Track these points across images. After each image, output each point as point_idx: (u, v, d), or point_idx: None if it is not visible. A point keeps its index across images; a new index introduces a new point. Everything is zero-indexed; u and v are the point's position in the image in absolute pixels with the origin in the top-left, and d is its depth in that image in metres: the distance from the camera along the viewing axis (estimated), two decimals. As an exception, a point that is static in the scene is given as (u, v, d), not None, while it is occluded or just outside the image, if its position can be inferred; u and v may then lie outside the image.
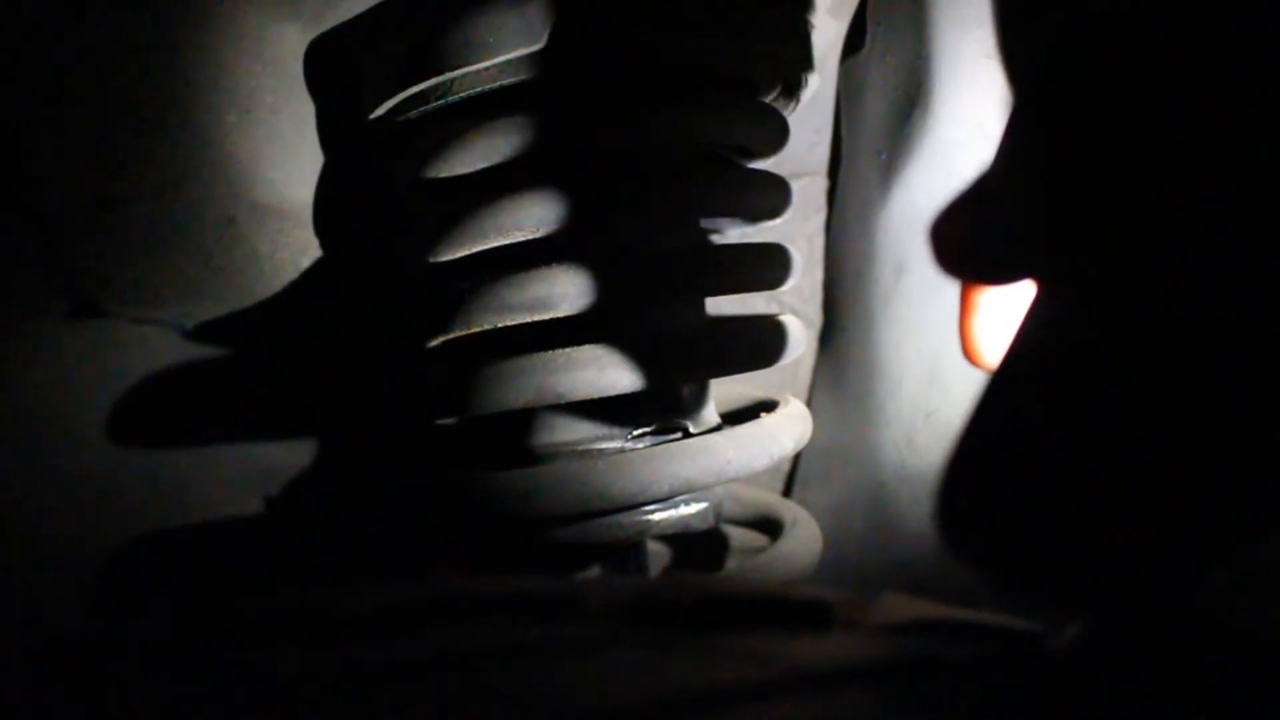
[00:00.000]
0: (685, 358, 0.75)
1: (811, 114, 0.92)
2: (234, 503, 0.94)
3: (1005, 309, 0.53)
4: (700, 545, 0.97)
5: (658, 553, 0.88)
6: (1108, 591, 0.39)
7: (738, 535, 0.96)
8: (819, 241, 0.98)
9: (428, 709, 0.35)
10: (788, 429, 0.79)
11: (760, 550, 0.94)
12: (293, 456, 0.94)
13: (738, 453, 0.74)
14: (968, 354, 0.56)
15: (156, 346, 0.88)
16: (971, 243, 0.44)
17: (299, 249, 0.83)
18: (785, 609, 0.46)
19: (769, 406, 0.84)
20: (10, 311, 0.83)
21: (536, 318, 0.73)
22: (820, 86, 0.84)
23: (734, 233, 0.94)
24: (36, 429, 0.87)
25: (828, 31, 0.88)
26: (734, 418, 0.86)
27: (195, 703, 0.39)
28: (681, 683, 0.37)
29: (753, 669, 0.39)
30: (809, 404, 0.98)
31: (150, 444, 0.90)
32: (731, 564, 1.01)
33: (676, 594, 0.48)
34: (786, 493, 1.03)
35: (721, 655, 0.40)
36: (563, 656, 0.39)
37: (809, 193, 0.95)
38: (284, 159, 0.79)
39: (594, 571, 0.85)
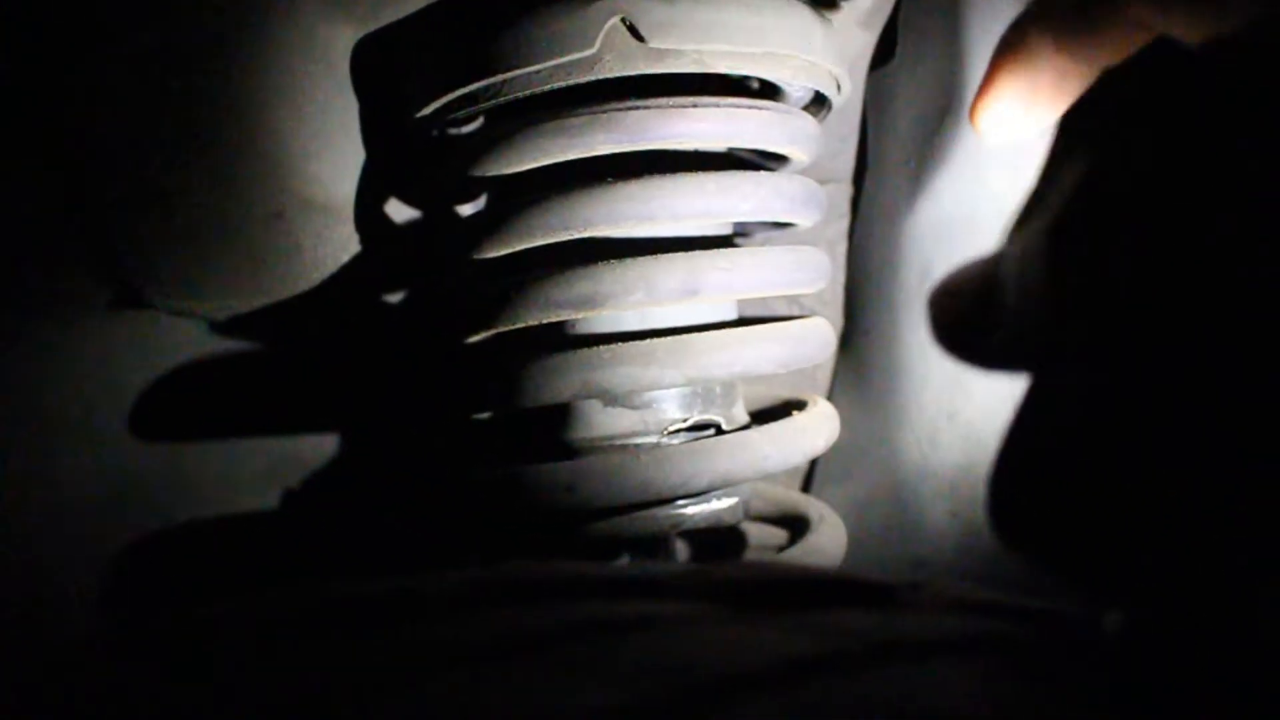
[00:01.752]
0: (723, 355, 0.77)
1: (836, 123, 0.94)
2: (257, 497, 0.95)
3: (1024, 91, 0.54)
4: (716, 542, 0.99)
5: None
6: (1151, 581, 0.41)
7: (754, 531, 0.99)
8: (841, 248, 1.00)
9: (558, 677, 0.37)
10: (820, 427, 0.81)
11: (780, 547, 0.96)
12: (323, 451, 0.96)
13: (774, 449, 0.77)
14: (973, 119, 0.57)
15: (192, 339, 0.90)
16: None
17: (340, 244, 0.85)
18: (848, 589, 0.48)
19: (798, 406, 0.86)
20: (53, 299, 0.84)
21: (582, 315, 0.75)
22: (847, 96, 0.87)
23: (759, 237, 0.96)
24: (65, 417, 0.88)
25: (856, 42, 0.91)
26: (761, 417, 0.88)
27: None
28: (778, 653, 0.39)
29: (837, 641, 0.41)
30: (828, 405, 1.00)
31: (178, 436, 0.92)
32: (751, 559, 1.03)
33: (748, 576, 0.50)
34: (804, 491, 1.06)
35: (806, 629, 0.42)
36: (669, 629, 0.41)
37: (833, 199, 0.98)
38: (332, 155, 0.81)
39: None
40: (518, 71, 0.73)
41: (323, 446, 0.96)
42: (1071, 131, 0.48)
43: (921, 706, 0.36)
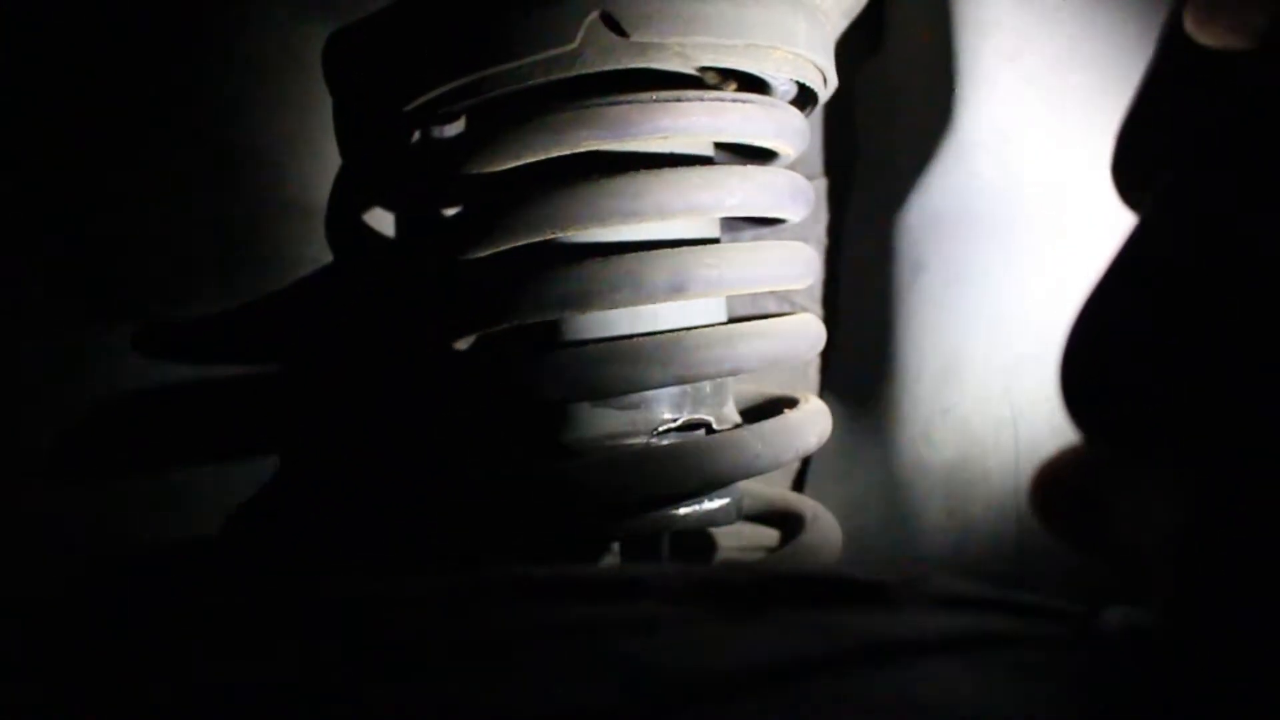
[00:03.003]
0: (711, 353, 0.75)
1: (817, 116, 0.93)
2: (239, 501, 0.93)
3: None
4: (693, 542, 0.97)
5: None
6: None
7: (749, 532, 0.97)
8: (824, 243, 0.99)
9: (533, 680, 0.35)
10: (811, 424, 0.80)
11: (774, 548, 0.95)
12: (303, 455, 0.94)
13: (764, 448, 0.75)
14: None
15: (172, 344, 0.88)
16: None
17: (320, 247, 0.83)
18: (840, 587, 0.47)
19: (789, 403, 0.85)
20: (34, 307, 0.82)
21: (568, 314, 0.73)
22: (834, 89, 0.85)
23: (750, 234, 0.95)
24: (46, 429, 0.86)
25: (838, 32, 0.89)
26: (752, 415, 0.86)
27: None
28: (767, 653, 0.38)
29: (829, 641, 0.40)
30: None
31: (167, 449, 0.90)
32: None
33: (734, 576, 0.49)
34: (797, 490, 1.04)
35: (796, 629, 0.41)
36: (649, 632, 0.40)
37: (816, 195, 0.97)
38: (310, 158, 0.79)
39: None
40: (498, 67, 0.72)
41: (299, 455, 0.94)
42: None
43: (911, 707, 0.34)
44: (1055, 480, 0.45)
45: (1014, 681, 0.38)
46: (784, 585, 0.47)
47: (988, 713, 0.36)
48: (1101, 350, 0.40)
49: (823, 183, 0.98)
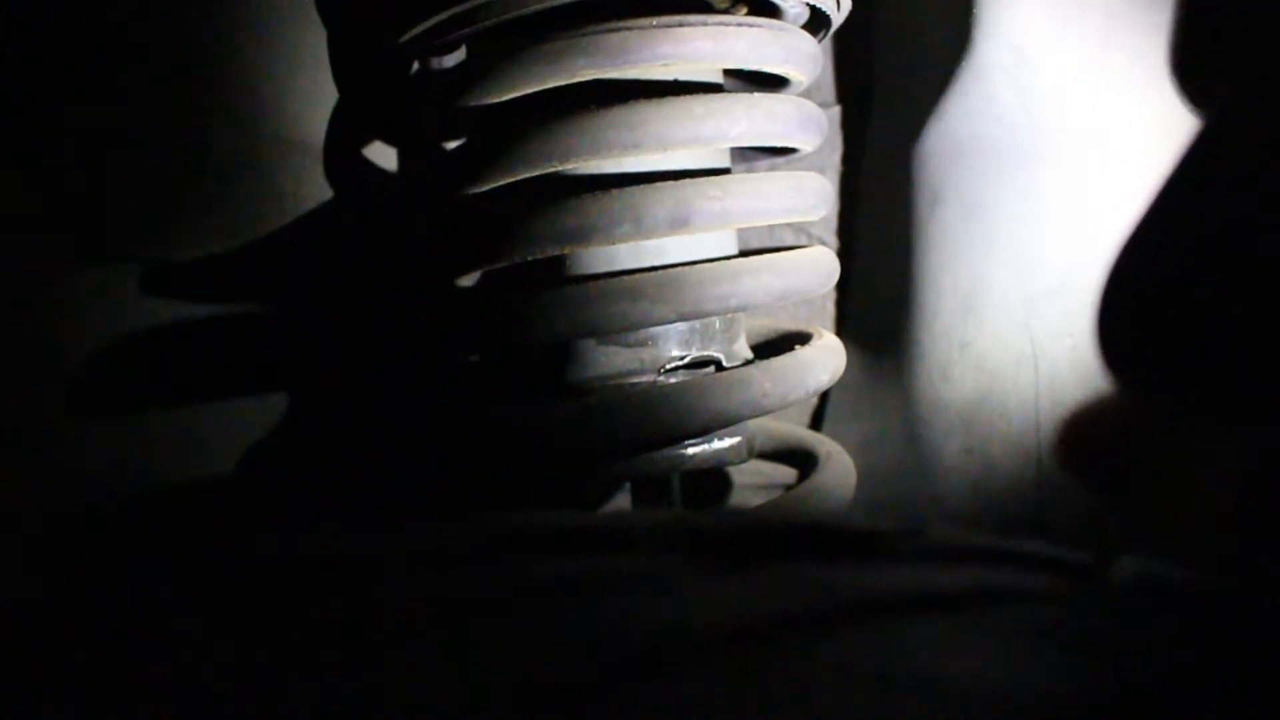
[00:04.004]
0: (716, 289, 0.73)
1: (831, 41, 0.90)
2: (242, 441, 0.92)
3: None
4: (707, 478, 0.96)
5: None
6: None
7: (766, 469, 0.95)
8: (839, 173, 0.96)
9: (507, 647, 0.34)
10: (822, 361, 0.78)
11: (789, 486, 0.93)
12: (310, 400, 0.93)
13: (773, 386, 0.73)
14: None
15: (168, 283, 0.86)
16: None
17: (320, 185, 0.81)
18: (835, 539, 0.45)
19: (802, 339, 0.83)
20: (24, 255, 0.81)
21: (568, 250, 0.71)
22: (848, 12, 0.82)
23: (765, 165, 0.92)
24: (45, 374, 0.85)
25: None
26: (766, 350, 0.84)
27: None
28: (752, 610, 0.36)
29: (819, 597, 0.38)
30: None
31: (169, 391, 0.88)
32: (741, 499, 1.00)
33: (726, 524, 0.47)
34: (814, 429, 1.02)
35: (784, 583, 0.39)
36: (630, 587, 0.38)
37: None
38: (306, 92, 0.77)
39: (623, 505, 0.84)
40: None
41: (302, 400, 0.93)
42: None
43: (882, 672, 0.33)
44: (1083, 425, 0.42)
45: (1014, 643, 0.36)
46: (777, 535, 0.45)
47: (980, 682, 0.34)
48: (1147, 292, 0.37)
49: (837, 111, 0.95)
